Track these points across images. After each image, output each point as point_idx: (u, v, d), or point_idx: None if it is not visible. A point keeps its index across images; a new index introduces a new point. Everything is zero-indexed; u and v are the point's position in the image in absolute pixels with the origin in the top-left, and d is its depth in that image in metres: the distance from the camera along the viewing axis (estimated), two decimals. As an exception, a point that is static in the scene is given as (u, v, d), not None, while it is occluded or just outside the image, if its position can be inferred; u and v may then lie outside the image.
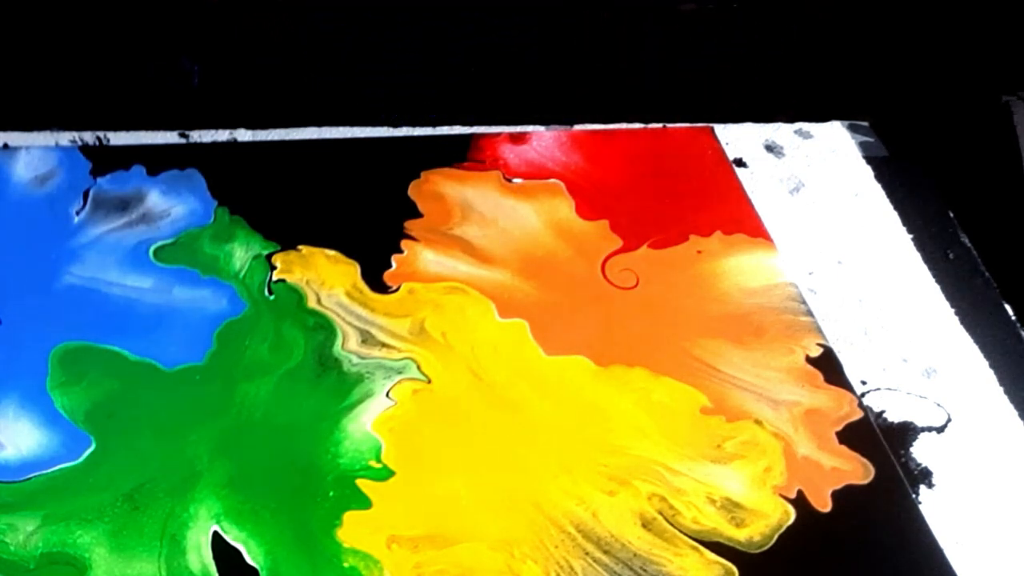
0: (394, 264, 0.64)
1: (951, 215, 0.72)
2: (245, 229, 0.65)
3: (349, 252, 0.64)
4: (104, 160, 0.68)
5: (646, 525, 0.53)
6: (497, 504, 0.54)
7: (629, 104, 0.77)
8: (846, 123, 0.78)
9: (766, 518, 0.54)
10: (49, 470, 0.53)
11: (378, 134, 0.73)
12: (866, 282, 0.67)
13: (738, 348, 0.62)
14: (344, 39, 0.75)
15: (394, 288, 0.63)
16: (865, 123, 0.78)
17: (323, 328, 0.60)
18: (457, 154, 0.72)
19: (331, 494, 0.53)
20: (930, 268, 0.69)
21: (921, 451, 0.59)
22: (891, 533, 0.54)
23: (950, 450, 0.59)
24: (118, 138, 0.70)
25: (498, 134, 0.73)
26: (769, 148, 0.76)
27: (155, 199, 0.66)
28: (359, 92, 0.76)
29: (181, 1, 0.77)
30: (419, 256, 0.65)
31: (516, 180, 0.70)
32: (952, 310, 0.66)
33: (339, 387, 0.58)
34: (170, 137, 0.71)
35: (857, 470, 0.56)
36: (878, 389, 0.61)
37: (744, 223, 0.69)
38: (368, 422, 0.56)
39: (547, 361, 0.60)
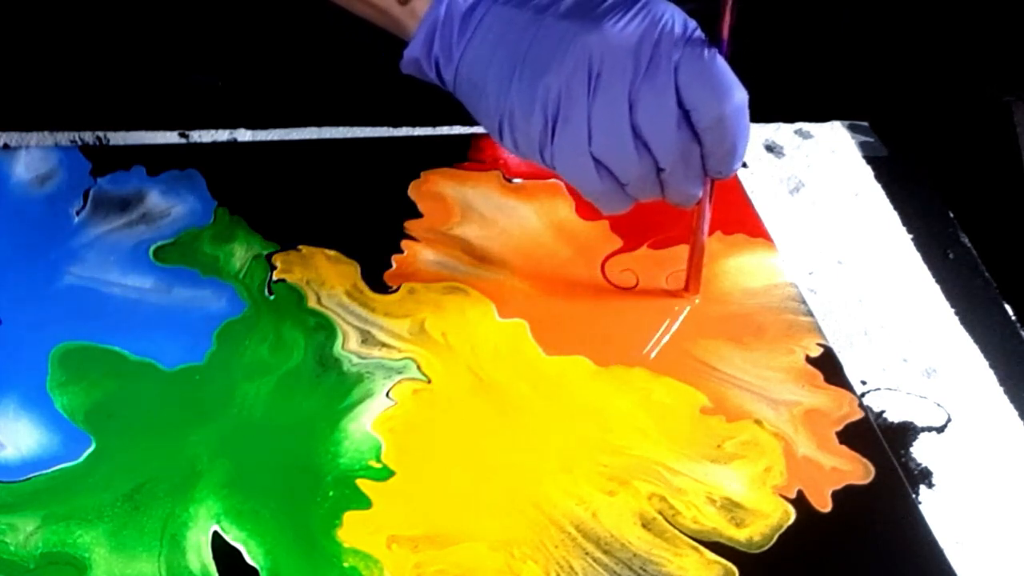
0: (394, 264, 0.64)
1: (951, 215, 0.72)
2: (245, 229, 0.65)
3: (349, 252, 0.64)
4: (104, 160, 0.68)
5: (646, 525, 0.53)
6: (497, 504, 0.54)
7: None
8: (846, 123, 0.78)
9: (766, 518, 0.54)
10: (49, 470, 0.53)
11: (378, 134, 0.73)
12: (866, 282, 0.67)
13: (738, 348, 0.62)
14: (344, 39, 0.75)
15: (394, 288, 0.63)
16: (865, 123, 0.78)
17: (323, 328, 0.60)
18: (457, 154, 0.72)
19: (331, 494, 0.53)
20: (930, 268, 0.69)
21: (921, 451, 0.59)
22: (891, 533, 0.54)
23: (950, 450, 0.59)
24: (118, 138, 0.70)
25: (498, 134, 0.73)
26: (769, 148, 0.76)
27: (155, 199, 0.66)
28: (359, 92, 0.76)
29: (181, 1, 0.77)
30: (419, 256, 0.65)
31: (516, 180, 0.70)
32: (952, 310, 0.66)
33: (339, 387, 0.58)
34: (170, 137, 0.71)
35: (857, 470, 0.56)
36: (878, 389, 0.61)
37: (744, 223, 0.69)
38: (368, 422, 0.56)
39: (547, 361, 0.60)
